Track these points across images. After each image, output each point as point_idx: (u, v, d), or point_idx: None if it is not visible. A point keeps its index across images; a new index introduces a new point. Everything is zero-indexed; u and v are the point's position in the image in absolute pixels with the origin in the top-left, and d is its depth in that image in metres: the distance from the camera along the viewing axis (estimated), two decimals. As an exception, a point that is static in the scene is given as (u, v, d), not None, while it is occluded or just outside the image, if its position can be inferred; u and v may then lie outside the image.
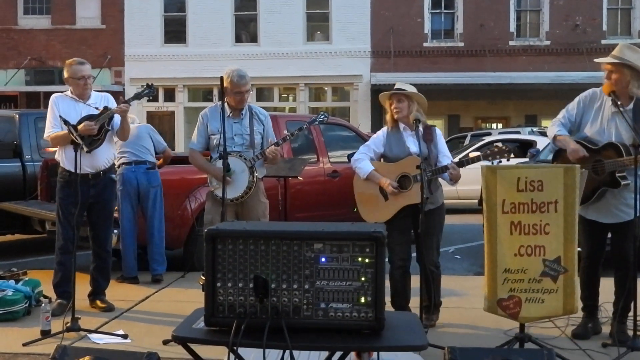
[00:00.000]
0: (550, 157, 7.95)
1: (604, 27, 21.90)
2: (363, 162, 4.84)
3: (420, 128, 4.69)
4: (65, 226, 5.12)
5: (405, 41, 21.70)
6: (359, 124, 18.68)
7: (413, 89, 4.77)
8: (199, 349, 2.73)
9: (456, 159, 4.78)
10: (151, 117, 21.34)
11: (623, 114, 4.23)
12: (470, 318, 4.98)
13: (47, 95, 5.35)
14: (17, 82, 21.84)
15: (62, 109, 5.06)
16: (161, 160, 6.91)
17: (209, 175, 5.16)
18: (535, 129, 17.36)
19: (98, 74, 21.46)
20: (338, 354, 2.71)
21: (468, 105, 22.37)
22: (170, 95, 22.76)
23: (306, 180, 7.45)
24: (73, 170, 4.97)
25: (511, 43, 21.98)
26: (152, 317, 5.15)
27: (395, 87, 4.79)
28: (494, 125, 23.31)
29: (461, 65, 21.51)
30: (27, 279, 5.48)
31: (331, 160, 8.16)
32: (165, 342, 4.26)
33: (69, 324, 4.50)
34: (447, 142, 5.88)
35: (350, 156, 8.42)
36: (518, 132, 16.29)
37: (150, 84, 5.31)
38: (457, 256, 8.31)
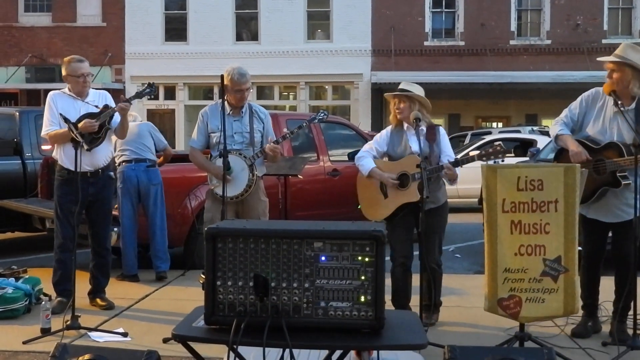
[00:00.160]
0: (550, 156, 7.98)
1: (605, 27, 21.88)
2: (365, 159, 4.87)
3: (424, 127, 4.72)
4: (64, 224, 5.12)
5: (406, 40, 21.69)
6: (360, 123, 18.71)
7: (418, 89, 4.80)
8: (199, 347, 2.73)
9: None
10: (152, 115, 21.32)
11: (624, 114, 4.23)
12: (471, 317, 4.99)
13: (48, 93, 5.32)
14: (18, 80, 21.84)
15: (61, 106, 5.05)
16: (161, 158, 6.91)
17: (209, 173, 5.16)
18: (535, 128, 17.37)
19: (99, 71, 21.46)
20: (338, 352, 2.71)
21: (468, 104, 22.37)
22: (170, 93, 22.76)
23: (306, 179, 7.45)
24: (72, 169, 4.97)
25: (512, 42, 21.97)
26: (152, 315, 5.15)
27: (400, 87, 4.81)
28: (494, 125, 23.32)
29: (462, 64, 21.50)
30: (27, 276, 5.48)
31: (331, 159, 8.16)
32: (165, 341, 4.26)
33: (69, 322, 4.50)
34: (447, 141, 5.85)
35: (350, 155, 8.48)
36: (518, 132, 16.30)
37: (151, 83, 5.32)
38: (457, 255, 8.31)
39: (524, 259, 3.93)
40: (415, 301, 4.61)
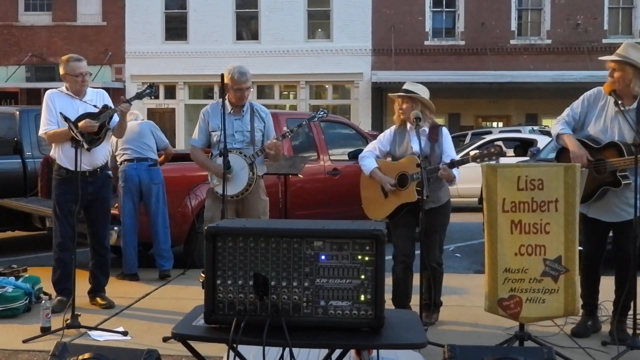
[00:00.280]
0: (550, 155, 7.98)
1: (605, 27, 21.88)
2: (368, 159, 4.90)
3: (426, 128, 4.73)
4: (63, 223, 5.11)
5: (406, 39, 21.68)
6: (360, 122, 18.71)
7: (422, 90, 4.80)
8: (199, 346, 2.73)
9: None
10: (152, 114, 21.32)
11: (624, 114, 4.23)
12: (470, 316, 4.99)
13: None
14: (18, 79, 21.84)
15: (59, 105, 5.02)
16: (162, 157, 6.91)
17: (209, 172, 5.17)
18: (535, 127, 17.38)
19: (99, 70, 21.47)
20: (338, 351, 2.71)
21: (469, 103, 22.37)
22: (170, 93, 22.76)
23: (306, 178, 7.45)
24: (70, 168, 4.97)
25: (512, 42, 21.97)
26: (152, 314, 5.15)
27: (404, 87, 4.82)
28: (494, 124, 23.33)
29: (462, 63, 21.50)
30: (27, 275, 5.48)
31: (331, 158, 8.16)
32: (165, 340, 4.26)
33: (69, 321, 4.50)
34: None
35: (350, 154, 8.49)
36: (519, 131, 16.30)
37: (151, 84, 5.33)
38: (457, 254, 8.32)
39: (524, 258, 3.93)
40: (415, 300, 4.61)
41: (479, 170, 4.11)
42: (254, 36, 22.49)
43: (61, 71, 5.14)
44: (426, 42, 22.00)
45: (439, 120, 4.69)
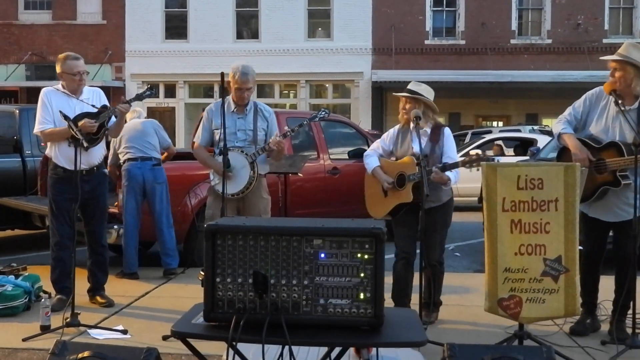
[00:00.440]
0: (550, 155, 7.97)
1: (606, 27, 21.88)
2: (371, 158, 4.95)
3: (427, 129, 4.75)
4: (61, 222, 5.10)
5: (406, 39, 21.68)
6: (360, 121, 18.70)
7: (426, 90, 4.81)
8: (199, 344, 2.73)
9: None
10: (152, 113, 21.29)
11: (625, 114, 4.23)
12: (470, 315, 4.99)
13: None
14: (18, 77, 21.85)
15: (56, 104, 5.00)
16: (165, 155, 6.91)
17: (211, 170, 5.18)
18: (536, 127, 17.36)
19: (99, 69, 21.47)
20: (337, 349, 2.72)
21: (469, 103, 22.35)
22: (171, 92, 22.77)
23: (306, 177, 7.45)
24: (67, 167, 4.97)
25: (513, 41, 21.97)
26: (152, 312, 5.15)
27: (408, 87, 4.83)
28: (494, 124, 23.31)
29: (462, 63, 21.50)
30: (26, 274, 5.48)
31: (331, 157, 8.16)
32: (164, 338, 4.26)
33: (68, 320, 4.50)
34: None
35: (350, 153, 8.49)
36: (519, 131, 16.30)
37: (151, 86, 5.33)
38: (456, 254, 8.32)
39: (524, 258, 3.92)
40: (415, 299, 4.61)
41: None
42: (254, 35, 22.49)
43: (58, 69, 5.10)
44: (426, 42, 22.00)
45: (440, 120, 4.69)
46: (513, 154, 13.38)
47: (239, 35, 22.57)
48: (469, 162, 4.41)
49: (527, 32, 22.29)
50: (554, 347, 3.22)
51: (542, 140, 12.12)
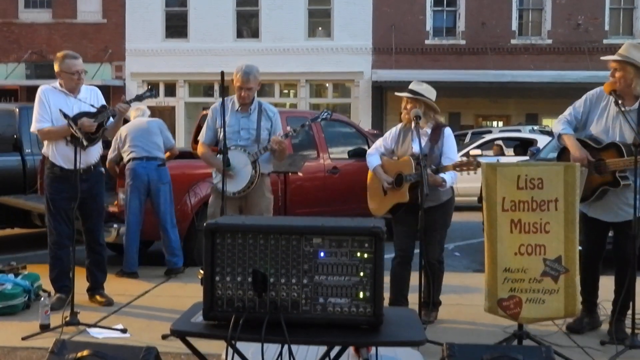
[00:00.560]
0: (550, 155, 7.97)
1: (606, 27, 21.88)
2: (373, 156, 5.00)
3: (428, 129, 4.76)
4: (59, 221, 5.09)
5: (407, 38, 21.68)
6: (360, 121, 18.71)
7: (428, 89, 4.82)
8: (198, 343, 2.73)
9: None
10: (152, 112, 21.31)
11: (625, 114, 4.23)
12: (469, 315, 4.99)
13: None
14: (18, 76, 21.83)
15: (53, 102, 4.98)
16: (167, 155, 6.90)
17: (213, 168, 5.20)
18: (535, 127, 17.36)
19: (99, 68, 21.46)
20: (336, 348, 2.71)
21: (469, 103, 22.35)
22: (171, 91, 22.76)
23: (306, 176, 7.45)
24: (65, 166, 4.96)
25: (513, 41, 21.97)
26: (152, 311, 5.15)
27: (410, 86, 4.84)
28: (494, 124, 23.31)
29: (463, 63, 21.49)
30: (26, 273, 5.48)
31: (331, 156, 8.16)
32: (164, 337, 4.26)
33: (68, 318, 4.50)
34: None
35: (350, 152, 8.49)
36: (519, 131, 16.29)
37: (151, 87, 5.33)
38: (456, 253, 8.32)
39: (524, 258, 3.92)
40: (414, 299, 4.61)
41: (479, 169, 4.11)
42: (255, 34, 22.48)
43: (56, 68, 5.08)
44: (427, 41, 22.00)
45: (441, 120, 4.68)
46: (513, 154, 13.37)
47: (239, 35, 22.56)
48: (459, 166, 4.42)
49: (527, 32, 22.29)
50: (553, 347, 3.22)
51: (542, 140, 12.12)
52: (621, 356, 4.00)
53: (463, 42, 21.93)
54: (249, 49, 21.35)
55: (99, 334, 4.45)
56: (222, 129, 5.02)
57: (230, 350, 2.55)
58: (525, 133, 15.33)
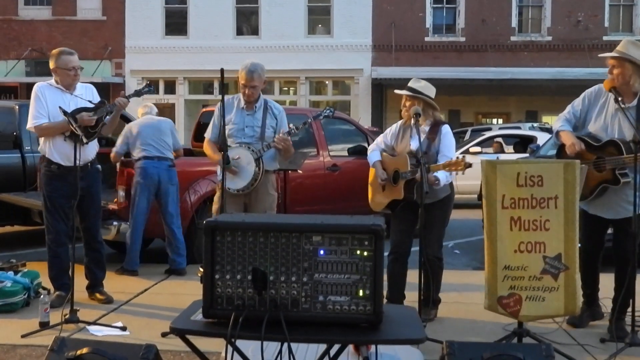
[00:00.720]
0: (550, 152, 7.97)
1: (606, 24, 21.87)
2: (374, 152, 5.04)
3: (426, 126, 4.77)
4: (57, 219, 5.08)
5: (406, 35, 21.67)
6: (360, 118, 18.69)
7: (426, 87, 4.82)
8: (197, 341, 2.73)
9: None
10: (151, 110, 21.31)
11: (624, 111, 4.22)
12: (469, 313, 4.99)
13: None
14: (18, 73, 21.81)
15: (50, 99, 4.96)
16: (174, 154, 6.89)
17: (217, 165, 5.22)
18: (535, 124, 17.35)
19: (99, 65, 21.44)
20: (336, 346, 2.71)
21: (469, 100, 22.35)
22: (170, 88, 22.75)
23: (306, 174, 7.45)
24: (62, 163, 4.95)
25: (513, 39, 21.96)
26: (151, 309, 5.15)
27: (409, 84, 4.84)
28: (494, 121, 23.31)
29: (462, 60, 21.48)
30: (26, 270, 5.48)
31: (331, 154, 8.16)
32: (163, 335, 4.26)
33: (67, 316, 4.50)
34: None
35: (350, 150, 8.49)
36: (518, 128, 16.28)
37: (149, 83, 5.32)
38: (456, 251, 8.32)
39: (524, 256, 3.92)
40: (414, 296, 4.61)
41: (478, 166, 4.10)
42: (254, 31, 22.47)
43: (51, 65, 5.06)
44: (427, 39, 21.99)
45: (440, 117, 4.68)
46: (513, 151, 13.37)
47: (239, 32, 22.55)
48: (448, 166, 4.41)
49: (527, 30, 22.28)
50: (553, 344, 3.23)
51: (541, 138, 12.11)
52: (621, 354, 4.00)
53: (463, 39, 21.92)
54: (248, 46, 21.32)
55: (98, 332, 4.45)
56: (227, 126, 5.08)
57: (230, 348, 2.55)
58: (525, 130, 15.32)
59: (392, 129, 5.04)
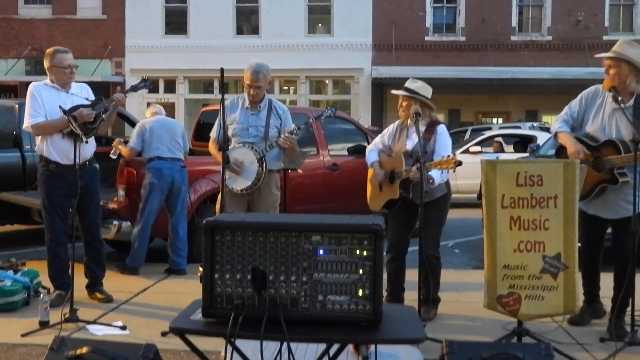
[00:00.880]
0: (550, 152, 7.97)
1: (606, 23, 21.87)
2: (372, 152, 5.07)
3: (422, 126, 4.77)
4: (56, 218, 5.06)
5: (407, 35, 21.67)
6: (360, 117, 18.69)
7: (423, 87, 4.82)
8: (197, 340, 2.73)
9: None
10: (151, 109, 21.30)
11: (623, 110, 4.22)
12: (469, 312, 4.99)
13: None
14: (18, 72, 21.80)
15: (46, 98, 4.95)
16: None
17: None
18: (535, 124, 17.35)
19: (99, 64, 21.44)
20: (335, 346, 2.71)
21: (469, 99, 22.35)
22: (170, 87, 22.75)
23: (306, 173, 7.44)
24: (60, 161, 4.94)
25: (513, 38, 21.95)
26: (151, 308, 5.15)
27: (405, 84, 4.85)
28: (494, 120, 23.31)
29: (463, 59, 21.48)
30: (25, 269, 5.48)
31: (331, 153, 8.16)
32: (163, 334, 4.26)
33: (67, 315, 4.50)
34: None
35: (350, 149, 8.48)
36: (518, 127, 16.28)
37: (145, 77, 5.31)
38: (455, 250, 8.32)
39: (524, 255, 3.93)
40: (413, 296, 4.61)
41: (478, 166, 4.11)
42: (254, 31, 22.46)
43: (46, 64, 5.05)
44: (427, 38, 21.98)
45: (439, 116, 4.68)
46: (513, 150, 13.37)
47: (239, 31, 22.55)
48: (438, 165, 4.42)
49: (527, 29, 22.27)
50: (553, 344, 3.23)
51: (541, 137, 12.10)
52: (620, 353, 4.00)
53: (463, 38, 21.92)
54: (248, 46, 21.32)
55: (98, 331, 4.45)
56: (232, 126, 5.12)
57: (230, 348, 2.55)
58: (525, 130, 15.32)
59: (390, 129, 5.05)
